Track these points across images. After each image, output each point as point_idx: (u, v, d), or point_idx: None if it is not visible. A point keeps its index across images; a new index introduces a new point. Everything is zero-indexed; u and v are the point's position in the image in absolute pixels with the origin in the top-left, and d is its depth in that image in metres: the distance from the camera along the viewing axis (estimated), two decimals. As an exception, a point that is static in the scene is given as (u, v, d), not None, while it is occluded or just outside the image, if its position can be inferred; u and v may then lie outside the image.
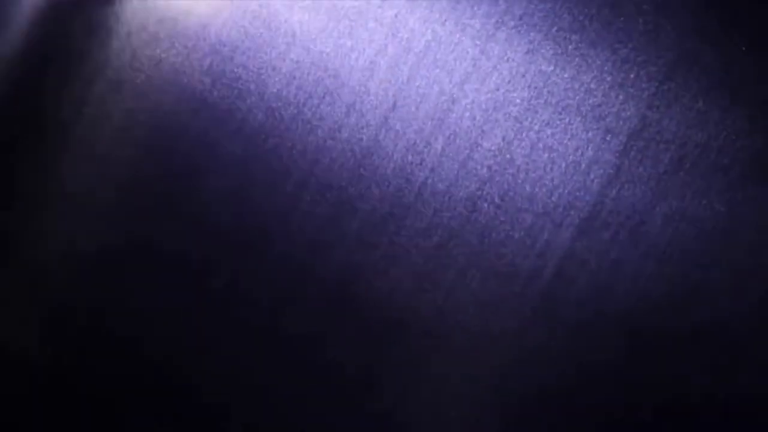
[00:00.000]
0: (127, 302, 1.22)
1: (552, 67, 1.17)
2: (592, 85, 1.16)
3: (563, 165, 1.14)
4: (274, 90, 1.20)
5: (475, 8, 1.19)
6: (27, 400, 1.24)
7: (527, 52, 1.18)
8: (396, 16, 1.20)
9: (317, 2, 1.21)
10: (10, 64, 1.21)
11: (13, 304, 1.22)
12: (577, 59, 1.17)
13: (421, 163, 1.17)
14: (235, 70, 1.21)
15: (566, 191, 1.14)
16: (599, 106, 1.15)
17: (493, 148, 1.16)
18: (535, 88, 1.17)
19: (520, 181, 1.15)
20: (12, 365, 1.22)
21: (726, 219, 1.10)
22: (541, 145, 1.15)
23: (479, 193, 1.15)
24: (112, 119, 1.21)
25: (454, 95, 1.18)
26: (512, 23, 1.18)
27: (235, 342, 1.20)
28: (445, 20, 1.20)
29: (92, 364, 1.22)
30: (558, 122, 1.15)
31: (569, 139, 1.15)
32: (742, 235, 1.10)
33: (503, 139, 1.16)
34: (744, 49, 1.13)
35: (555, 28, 1.17)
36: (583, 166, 1.14)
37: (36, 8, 1.22)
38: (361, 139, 1.19)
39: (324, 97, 1.21)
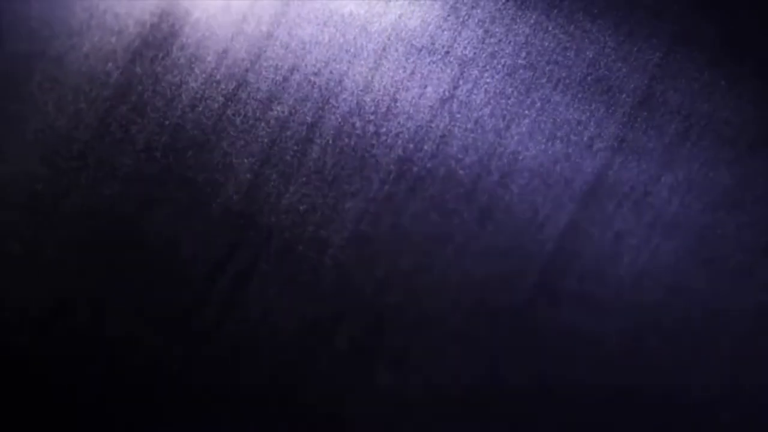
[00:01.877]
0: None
1: (555, 45, 1.16)
2: (595, 59, 1.14)
3: (566, 138, 1.12)
4: (283, 103, 1.20)
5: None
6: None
7: (530, 33, 1.16)
8: (399, 17, 1.20)
9: (327, 14, 1.21)
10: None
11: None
12: (579, 35, 1.15)
13: (423, 145, 1.15)
14: (251, 93, 1.21)
15: (569, 164, 1.11)
16: (603, 78, 1.13)
17: (494, 126, 1.14)
18: (538, 66, 1.16)
19: (521, 157, 1.12)
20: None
21: (732, 190, 1.07)
22: (544, 118, 1.13)
23: (481, 171, 1.13)
24: (134, 140, 1.21)
25: (457, 80, 1.17)
26: (514, 8, 1.17)
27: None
28: (448, 15, 1.19)
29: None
30: (561, 95, 1.13)
31: (572, 112, 1.13)
32: (749, 206, 1.07)
33: (504, 117, 1.14)
34: (750, 19, 1.11)
35: (557, 9, 1.16)
36: (586, 138, 1.11)
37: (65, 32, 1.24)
38: (363, 136, 1.18)
39: (328, 100, 1.20)
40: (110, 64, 1.21)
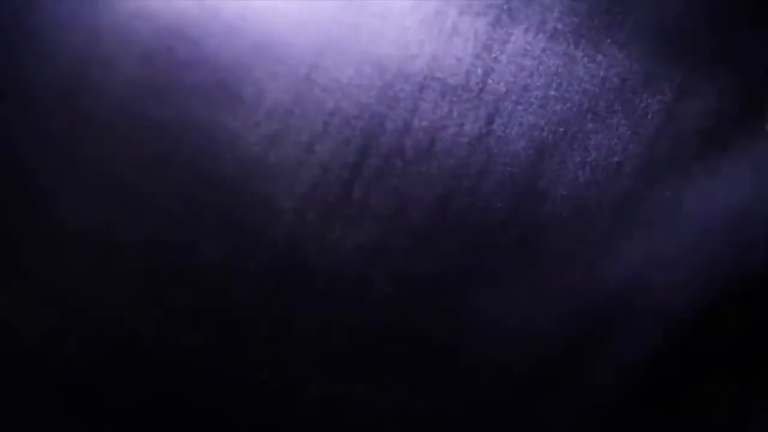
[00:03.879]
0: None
1: (583, 74, 1.22)
2: (621, 85, 1.20)
3: (595, 164, 1.19)
4: (324, 146, 1.24)
5: (509, 33, 1.24)
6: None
7: (560, 65, 1.22)
8: (434, 57, 1.25)
9: (364, 57, 1.24)
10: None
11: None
12: (606, 63, 1.21)
13: (460, 184, 1.22)
14: (289, 131, 1.23)
15: (598, 189, 1.18)
16: (628, 102, 1.19)
17: (529, 159, 1.21)
18: (568, 96, 1.22)
19: (555, 186, 1.19)
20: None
21: (754, 204, 1.13)
22: (574, 149, 1.19)
23: (517, 204, 1.20)
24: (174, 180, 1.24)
25: (492, 116, 1.23)
26: (544, 41, 1.23)
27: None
28: (480, 51, 1.24)
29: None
30: (591, 125, 1.20)
31: (601, 139, 1.19)
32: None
33: (539, 150, 1.21)
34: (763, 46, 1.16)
35: (585, 39, 1.22)
36: (614, 163, 1.18)
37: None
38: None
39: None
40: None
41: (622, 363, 1.18)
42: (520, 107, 1.22)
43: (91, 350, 1.22)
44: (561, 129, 1.21)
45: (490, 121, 1.23)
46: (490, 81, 1.24)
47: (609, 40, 1.22)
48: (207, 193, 1.19)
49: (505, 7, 1.23)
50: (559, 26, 1.24)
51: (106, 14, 1.21)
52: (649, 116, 1.18)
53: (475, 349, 1.20)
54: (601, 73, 1.21)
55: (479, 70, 1.25)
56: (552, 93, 1.22)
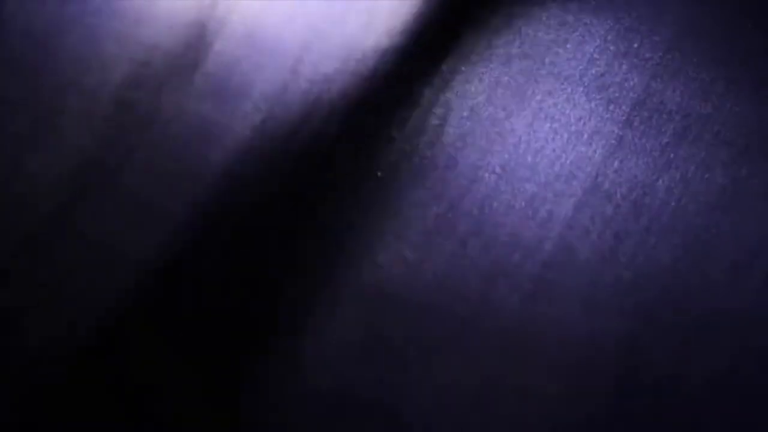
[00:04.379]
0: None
1: (553, 36, 1.16)
2: (596, 55, 1.15)
3: (565, 135, 1.13)
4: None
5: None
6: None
7: (526, 23, 1.17)
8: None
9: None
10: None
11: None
12: (580, 29, 1.16)
13: (420, 135, 1.16)
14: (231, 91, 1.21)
15: (568, 162, 1.12)
16: (602, 75, 1.14)
17: (492, 115, 1.15)
18: (536, 57, 1.16)
19: (521, 151, 1.13)
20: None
21: (729, 192, 1.09)
22: (542, 115, 1.14)
23: (480, 163, 1.14)
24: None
25: (454, 66, 1.17)
26: (513, -5, 1.18)
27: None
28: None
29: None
30: (560, 92, 1.14)
31: (571, 109, 1.14)
32: (745, 207, 1.09)
33: (504, 109, 1.15)
34: (750, 22, 1.12)
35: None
36: (586, 136, 1.12)
37: None
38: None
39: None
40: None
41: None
42: (485, 59, 1.16)
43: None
44: (528, 90, 1.16)
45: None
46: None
47: (579, 5, 1.16)
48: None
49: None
50: None
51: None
52: (624, 92, 1.13)
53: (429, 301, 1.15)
54: (573, 38, 1.16)
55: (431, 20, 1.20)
56: (515, 51, 1.16)
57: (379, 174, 1.17)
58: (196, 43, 1.16)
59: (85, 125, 1.11)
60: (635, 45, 1.14)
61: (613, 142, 1.12)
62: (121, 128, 1.13)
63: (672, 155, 1.11)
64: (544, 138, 1.14)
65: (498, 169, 1.14)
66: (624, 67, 1.13)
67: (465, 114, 1.16)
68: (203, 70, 1.18)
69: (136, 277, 1.13)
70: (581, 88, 1.14)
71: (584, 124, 1.13)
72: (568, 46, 1.16)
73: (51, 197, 1.14)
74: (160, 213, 1.17)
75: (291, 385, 1.12)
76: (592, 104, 1.13)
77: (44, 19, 1.04)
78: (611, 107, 1.13)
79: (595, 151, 1.12)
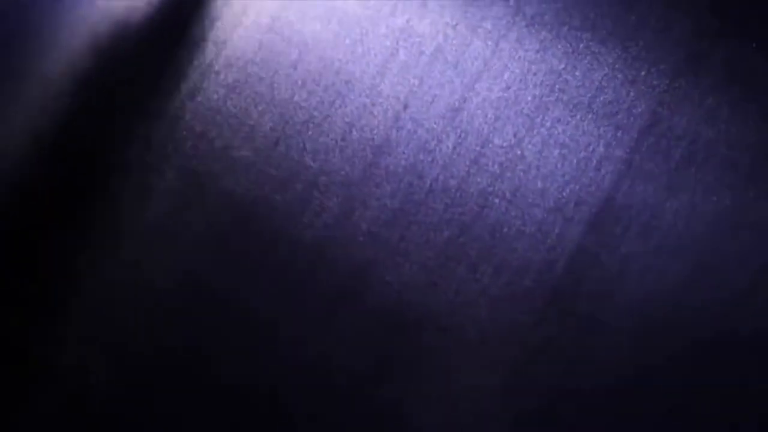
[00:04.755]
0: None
1: (563, 65, 1.18)
2: (603, 83, 1.17)
3: (574, 161, 1.15)
4: (286, 96, 1.21)
5: (486, 10, 1.20)
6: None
7: (538, 51, 1.19)
8: (408, 21, 1.22)
9: (330, 12, 1.22)
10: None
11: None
12: (588, 57, 1.18)
13: (432, 161, 1.17)
14: (249, 80, 1.23)
15: (577, 187, 1.14)
16: (610, 102, 1.15)
17: (504, 144, 1.17)
18: (547, 85, 1.18)
19: (531, 176, 1.15)
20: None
21: (736, 214, 1.10)
22: (552, 141, 1.15)
23: (490, 188, 1.15)
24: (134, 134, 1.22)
25: (466, 95, 1.19)
26: (523, 23, 1.19)
27: (239, 342, 1.20)
28: (457, 23, 1.21)
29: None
30: (569, 119, 1.16)
31: (580, 136, 1.15)
32: (752, 229, 1.10)
33: (514, 135, 1.17)
34: (754, 45, 1.13)
35: (566, 27, 1.18)
36: (594, 162, 1.14)
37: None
38: (372, 139, 1.20)
39: (334, 101, 1.22)
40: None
41: None
42: (496, 87, 1.18)
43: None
44: (538, 117, 1.17)
45: (464, 98, 1.19)
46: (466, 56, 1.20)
47: (590, 33, 1.18)
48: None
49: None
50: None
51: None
52: (632, 118, 1.14)
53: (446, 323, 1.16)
54: (582, 67, 1.17)
55: (444, 46, 1.21)
56: (530, 78, 1.18)
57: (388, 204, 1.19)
58: None
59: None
60: (642, 73, 1.16)
61: (622, 167, 1.14)
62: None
63: (679, 179, 1.12)
64: (554, 164, 1.16)
65: (508, 195, 1.16)
66: (632, 94, 1.15)
67: (477, 141, 1.18)
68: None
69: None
70: (590, 115, 1.15)
71: (593, 150, 1.14)
72: (577, 74, 1.17)
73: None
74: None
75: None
76: (601, 130, 1.15)
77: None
78: (619, 133, 1.14)
79: (603, 176, 1.14)
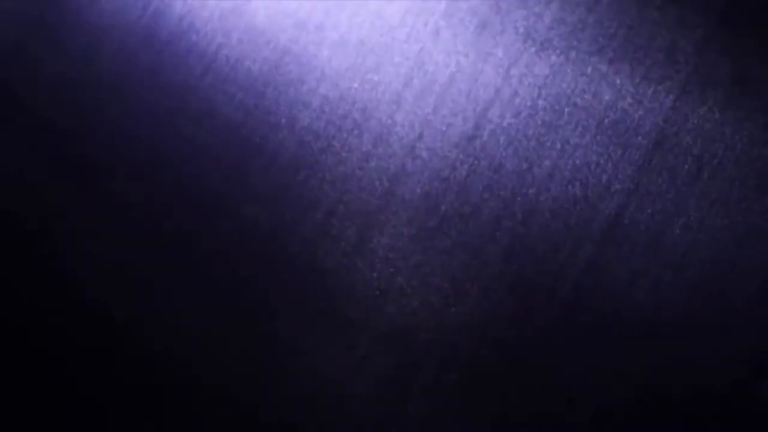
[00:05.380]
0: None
1: (572, 89, 1.19)
2: (611, 103, 1.18)
3: (585, 180, 1.15)
4: (305, 124, 1.24)
5: (497, 38, 1.21)
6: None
7: (548, 76, 1.20)
8: (421, 49, 1.24)
9: (345, 38, 1.25)
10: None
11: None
12: (596, 79, 1.19)
13: (446, 189, 1.19)
14: (267, 105, 1.25)
15: (586, 206, 1.14)
16: (618, 122, 1.16)
17: (515, 169, 1.18)
18: (556, 110, 1.19)
19: (542, 199, 1.16)
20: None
21: (743, 229, 1.10)
22: (561, 164, 1.16)
23: (503, 212, 1.16)
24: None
25: (478, 122, 1.20)
26: (533, 49, 1.21)
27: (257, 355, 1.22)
28: (468, 52, 1.23)
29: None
30: (578, 141, 1.17)
31: (589, 156, 1.16)
32: (760, 244, 1.09)
33: (526, 160, 1.18)
34: (760, 61, 1.14)
35: (575, 51, 1.19)
36: (604, 180, 1.15)
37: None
38: (389, 168, 1.22)
39: (352, 130, 1.24)
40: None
41: None
42: (508, 114, 1.19)
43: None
44: (548, 141, 1.18)
45: (477, 125, 1.20)
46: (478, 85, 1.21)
47: (598, 56, 1.19)
48: (181, 162, 1.21)
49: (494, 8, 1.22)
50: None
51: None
52: (640, 136, 1.15)
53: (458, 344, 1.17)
54: (592, 89, 1.18)
55: (457, 74, 1.23)
56: (541, 103, 1.19)
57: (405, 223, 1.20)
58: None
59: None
60: (650, 91, 1.16)
61: (630, 185, 1.14)
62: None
63: (687, 196, 1.13)
64: (564, 185, 1.17)
65: (520, 217, 1.17)
66: (639, 112, 1.16)
67: (489, 167, 1.19)
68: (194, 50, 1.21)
69: None
70: (599, 136, 1.16)
71: (602, 169, 1.15)
72: (586, 96, 1.18)
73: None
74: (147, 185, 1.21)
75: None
76: (609, 150, 1.16)
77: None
78: (628, 151, 1.15)
79: (612, 195, 1.15)
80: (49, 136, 1.32)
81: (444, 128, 1.21)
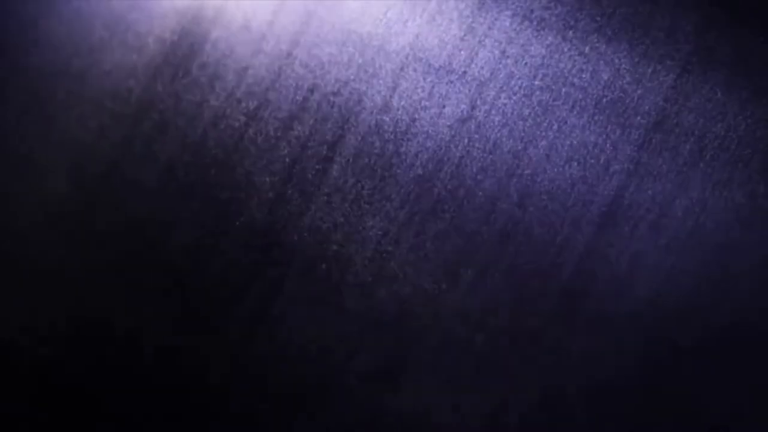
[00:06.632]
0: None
1: (569, 68, 1.17)
2: (610, 82, 1.15)
3: (582, 162, 1.13)
4: (304, 122, 1.22)
5: (493, 20, 1.19)
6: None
7: (545, 56, 1.18)
8: (417, 36, 1.22)
9: (345, 36, 1.23)
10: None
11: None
12: (594, 58, 1.16)
13: (440, 170, 1.16)
14: (272, 110, 1.24)
15: (585, 187, 1.12)
16: (617, 101, 1.14)
17: (511, 150, 1.15)
18: (553, 89, 1.17)
19: (538, 180, 1.13)
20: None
21: (746, 210, 1.07)
22: (559, 144, 1.14)
23: (498, 194, 1.14)
24: (158, 158, 1.23)
25: (474, 103, 1.18)
26: (530, 29, 1.18)
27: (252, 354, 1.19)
28: (464, 35, 1.20)
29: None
30: (576, 121, 1.14)
31: (587, 136, 1.13)
32: (763, 224, 1.07)
33: (521, 140, 1.15)
34: (762, 39, 1.11)
35: (572, 31, 1.17)
36: (603, 160, 1.12)
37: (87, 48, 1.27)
38: (383, 154, 1.19)
39: (348, 119, 1.22)
40: (132, 81, 1.24)
41: None
42: (503, 94, 1.16)
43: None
44: (545, 121, 1.16)
45: (472, 105, 1.18)
46: (473, 65, 1.19)
47: (596, 34, 1.17)
48: (187, 169, 1.20)
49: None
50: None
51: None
52: (639, 116, 1.12)
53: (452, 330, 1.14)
54: (590, 68, 1.16)
55: (462, 53, 1.21)
56: (537, 83, 1.17)
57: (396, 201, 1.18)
58: (192, 30, 1.19)
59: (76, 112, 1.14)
60: (649, 70, 1.14)
61: (630, 165, 1.12)
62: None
63: (689, 175, 1.10)
64: (562, 166, 1.14)
65: (516, 199, 1.14)
66: (638, 91, 1.13)
67: (485, 148, 1.16)
68: (200, 59, 1.21)
69: None
70: (597, 116, 1.14)
71: (600, 149, 1.13)
72: (584, 75, 1.16)
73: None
74: (152, 197, 1.19)
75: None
76: (608, 129, 1.13)
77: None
78: (627, 131, 1.13)
79: (611, 176, 1.12)
80: None
81: (438, 111, 1.19)
